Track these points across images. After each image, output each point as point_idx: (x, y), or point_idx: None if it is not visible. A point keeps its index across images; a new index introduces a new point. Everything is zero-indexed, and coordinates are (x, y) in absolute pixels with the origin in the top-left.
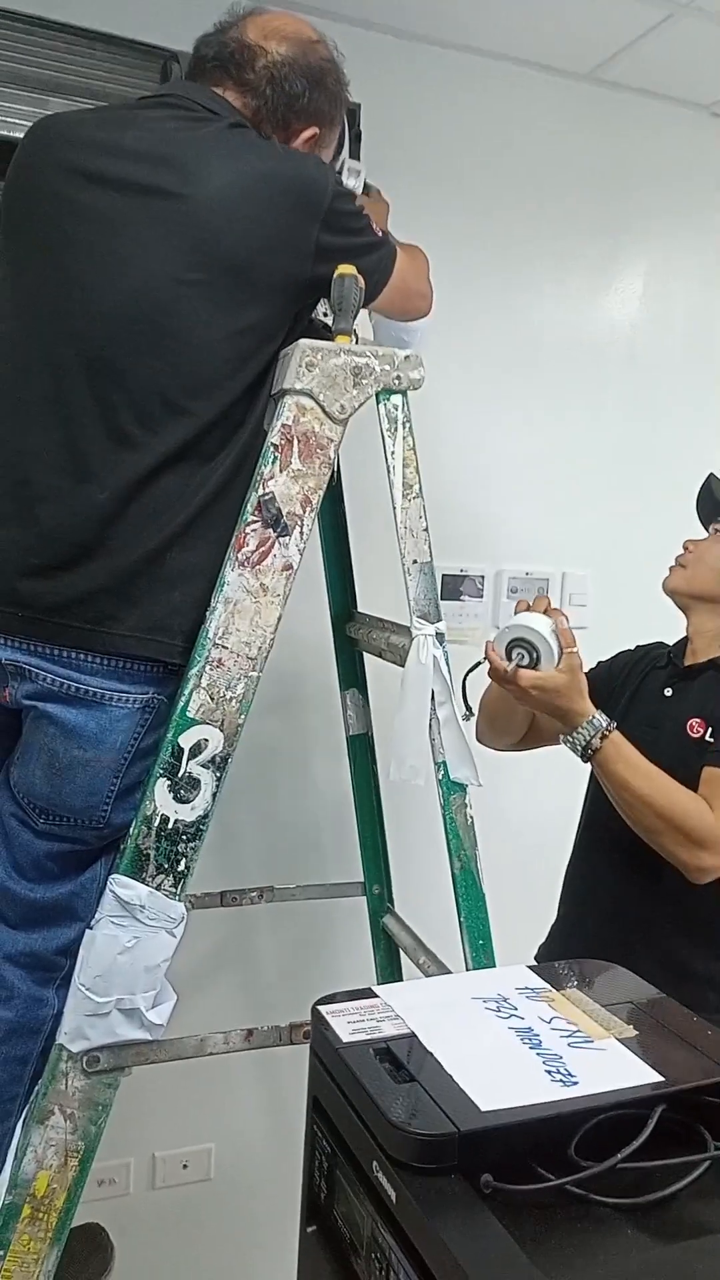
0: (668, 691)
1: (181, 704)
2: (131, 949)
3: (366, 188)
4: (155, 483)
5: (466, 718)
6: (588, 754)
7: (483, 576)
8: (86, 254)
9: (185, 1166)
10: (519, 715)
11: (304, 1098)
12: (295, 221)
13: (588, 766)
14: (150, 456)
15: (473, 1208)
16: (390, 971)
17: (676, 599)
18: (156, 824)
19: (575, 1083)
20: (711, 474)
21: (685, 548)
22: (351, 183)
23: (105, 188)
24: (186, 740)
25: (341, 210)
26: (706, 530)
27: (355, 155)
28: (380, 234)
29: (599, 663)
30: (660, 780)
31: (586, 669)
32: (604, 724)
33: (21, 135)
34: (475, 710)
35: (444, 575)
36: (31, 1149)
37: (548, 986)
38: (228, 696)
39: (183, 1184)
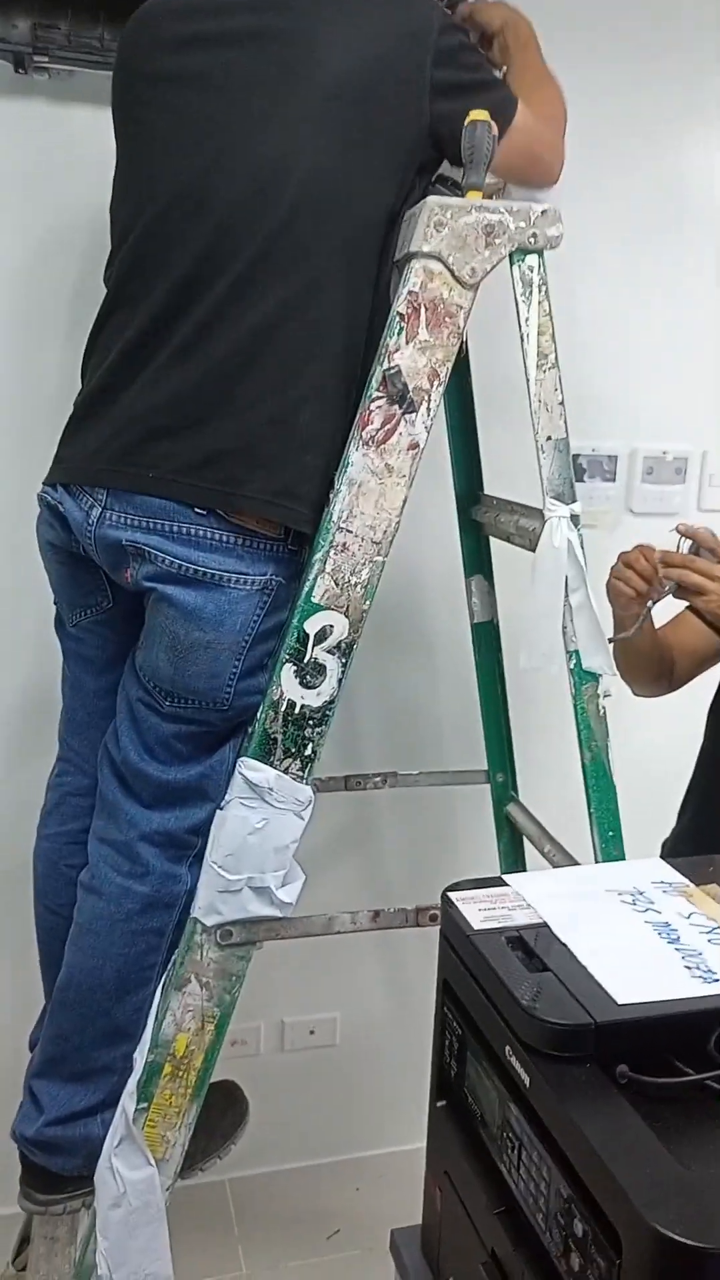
0: None
1: (306, 589)
2: (261, 830)
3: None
4: (278, 336)
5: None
6: None
7: (615, 456)
8: (214, 123)
9: (312, 1033)
10: (645, 657)
11: (426, 974)
12: (407, 53)
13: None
14: (271, 302)
15: (608, 1097)
16: (514, 860)
17: None
18: (283, 709)
19: (717, 979)
20: None
21: None
22: None
23: (220, 46)
24: (312, 626)
25: (451, 43)
26: None
27: None
28: (495, 78)
29: None
30: None
31: None
32: None
33: None
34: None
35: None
36: (170, 1013)
37: (685, 881)
38: (352, 582)
39: (309, 1048)
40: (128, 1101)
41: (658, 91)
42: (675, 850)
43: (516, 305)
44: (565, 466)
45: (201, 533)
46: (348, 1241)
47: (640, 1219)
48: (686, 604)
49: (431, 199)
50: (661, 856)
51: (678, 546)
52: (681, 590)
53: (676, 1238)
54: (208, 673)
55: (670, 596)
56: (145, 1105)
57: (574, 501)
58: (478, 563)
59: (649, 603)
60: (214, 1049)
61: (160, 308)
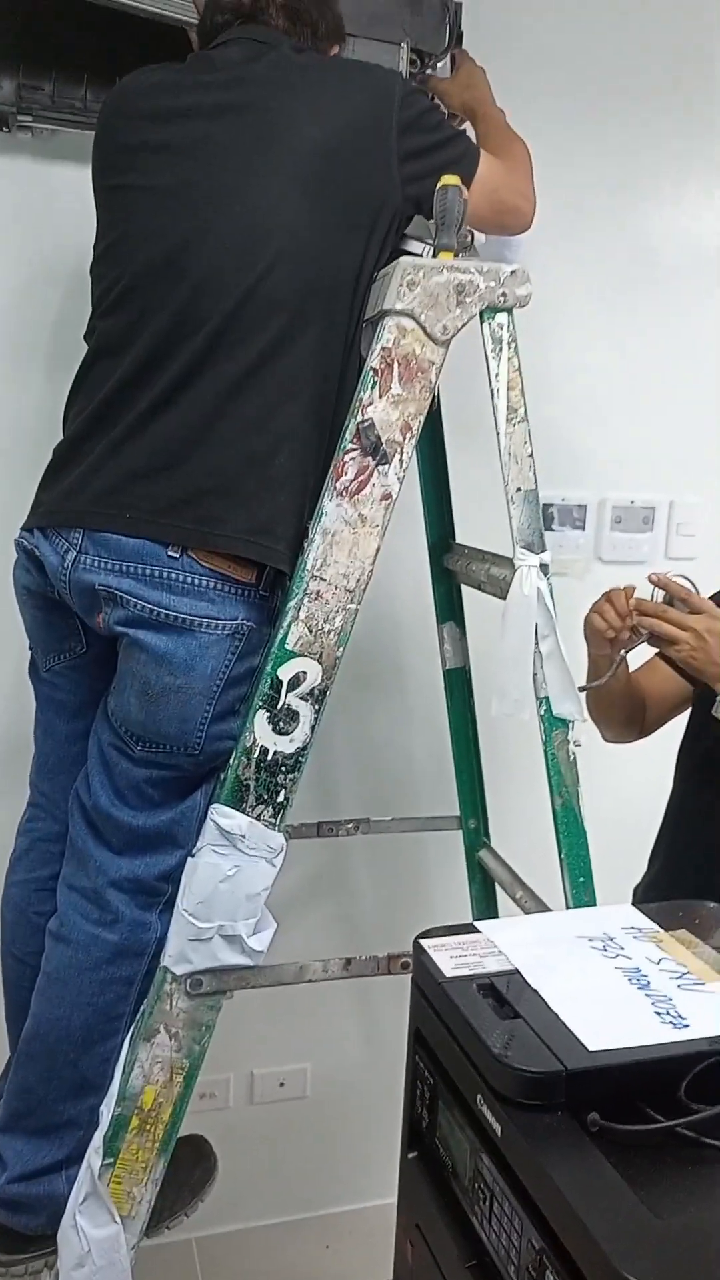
0: None
1: (280, 636)
2: (233, 877)
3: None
4: (254, 384)
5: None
6: None
7: (584, 505)
8: (191, 190)
9: (282, 1084)
10: (617, 703)
11: (398, 1023)
12: (373, 123)
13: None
14: (246, 357)
15: (580, 1145)
16: (485, 906)
17: None
18: (256, 755)
19: (686, 1025)
20: None
21: None
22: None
23: (197, 119)
24: (285, 673)
25: (414, 112)
26: None
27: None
28: (458, 132)
29: None
30: None
31: None
32: None
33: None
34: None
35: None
36: (139, 1065)
37: (655, 927)
38: (326, 629)
39: (280, 1100)
40: (93, 1157)
41: (629, 153)
42: (647, 896)
43: (487, 362)
44: (535, 516)
45: (174, 576)
46: None
47: (613, 1270)
48: (658, 650)
49: (404, 259)
50: (634, 903)
51: (651, 596)
52: (654, 639)
53: None
54: (179, 717)
55: (644, 644)
56: (111, 1160)
57: (543, 551)
58: (450, 610)
59: (623, 650)
60: (182, 1102)
61: (141, 360)
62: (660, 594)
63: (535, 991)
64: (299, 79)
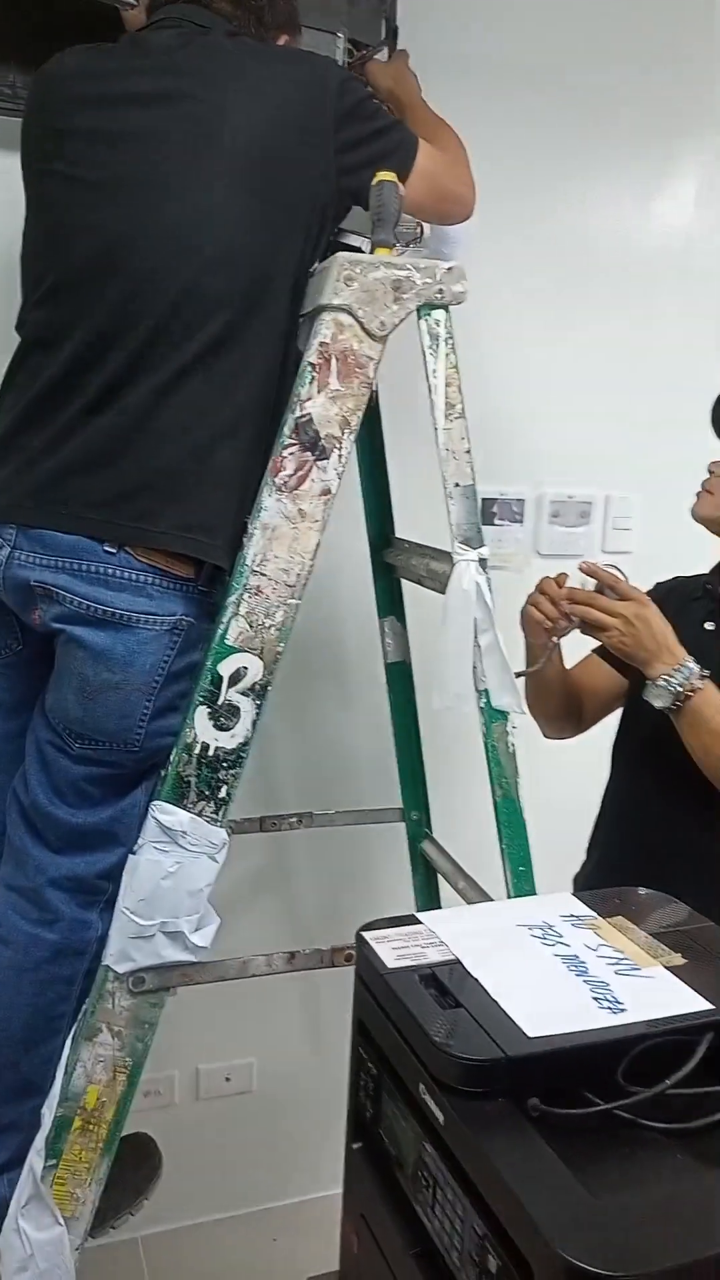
0: (709, 625)
1: (220, 631)
2: (174, 874)
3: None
4: (192, 384)
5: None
6: (678, 701)
7: (522, 500)
8: (126, 183)
9: (228, 1079)
10: (554, 694)
11: (343, 1014)
12: (310, 114)
13: None
14: (185, 356)
15: (520, 1131)
16: (428, 897)
17: (710, 526)
18: (197, 751)
19: (623, 1010)
20: None
21: (711, 471)
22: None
23: (129, 107)
24: (226, 668)
25: (351, 101)
26: None
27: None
28: (395, 120)
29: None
30: None
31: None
32: (696, 670)
33: None
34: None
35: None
36: (81, 1064)
37: (593, 914)
38: (266, 624)
39: (225, 1096)
40: (35, 1159)
41: (564, 152)
42: (587, 884)
43: (424, 358)
44: (472, 512)
45: (111, 571)
46: None
47: (552, 1251)
48: (595, 646)
49: (341, 255)
50: (574, 891)
51: (583, 585)
52: (586, 626)
53: (587, 1268)
54: (118, 713)
55: (578, 632)
56: (54, 1162)
57: (481, 546)
58: (390, 604)
59: (555, 637)
60: (126, 1101)
61: (76, 356)
62: (592, 582)
63: (476, 981)
64: (232, 67)
